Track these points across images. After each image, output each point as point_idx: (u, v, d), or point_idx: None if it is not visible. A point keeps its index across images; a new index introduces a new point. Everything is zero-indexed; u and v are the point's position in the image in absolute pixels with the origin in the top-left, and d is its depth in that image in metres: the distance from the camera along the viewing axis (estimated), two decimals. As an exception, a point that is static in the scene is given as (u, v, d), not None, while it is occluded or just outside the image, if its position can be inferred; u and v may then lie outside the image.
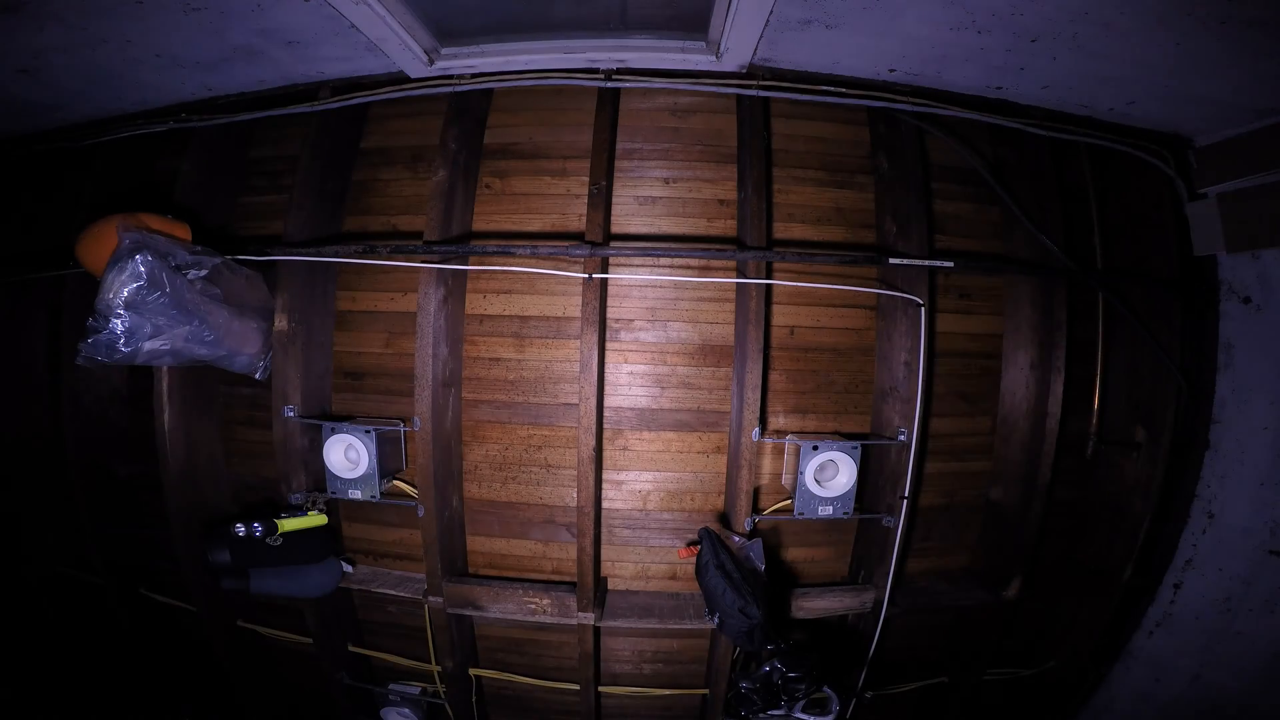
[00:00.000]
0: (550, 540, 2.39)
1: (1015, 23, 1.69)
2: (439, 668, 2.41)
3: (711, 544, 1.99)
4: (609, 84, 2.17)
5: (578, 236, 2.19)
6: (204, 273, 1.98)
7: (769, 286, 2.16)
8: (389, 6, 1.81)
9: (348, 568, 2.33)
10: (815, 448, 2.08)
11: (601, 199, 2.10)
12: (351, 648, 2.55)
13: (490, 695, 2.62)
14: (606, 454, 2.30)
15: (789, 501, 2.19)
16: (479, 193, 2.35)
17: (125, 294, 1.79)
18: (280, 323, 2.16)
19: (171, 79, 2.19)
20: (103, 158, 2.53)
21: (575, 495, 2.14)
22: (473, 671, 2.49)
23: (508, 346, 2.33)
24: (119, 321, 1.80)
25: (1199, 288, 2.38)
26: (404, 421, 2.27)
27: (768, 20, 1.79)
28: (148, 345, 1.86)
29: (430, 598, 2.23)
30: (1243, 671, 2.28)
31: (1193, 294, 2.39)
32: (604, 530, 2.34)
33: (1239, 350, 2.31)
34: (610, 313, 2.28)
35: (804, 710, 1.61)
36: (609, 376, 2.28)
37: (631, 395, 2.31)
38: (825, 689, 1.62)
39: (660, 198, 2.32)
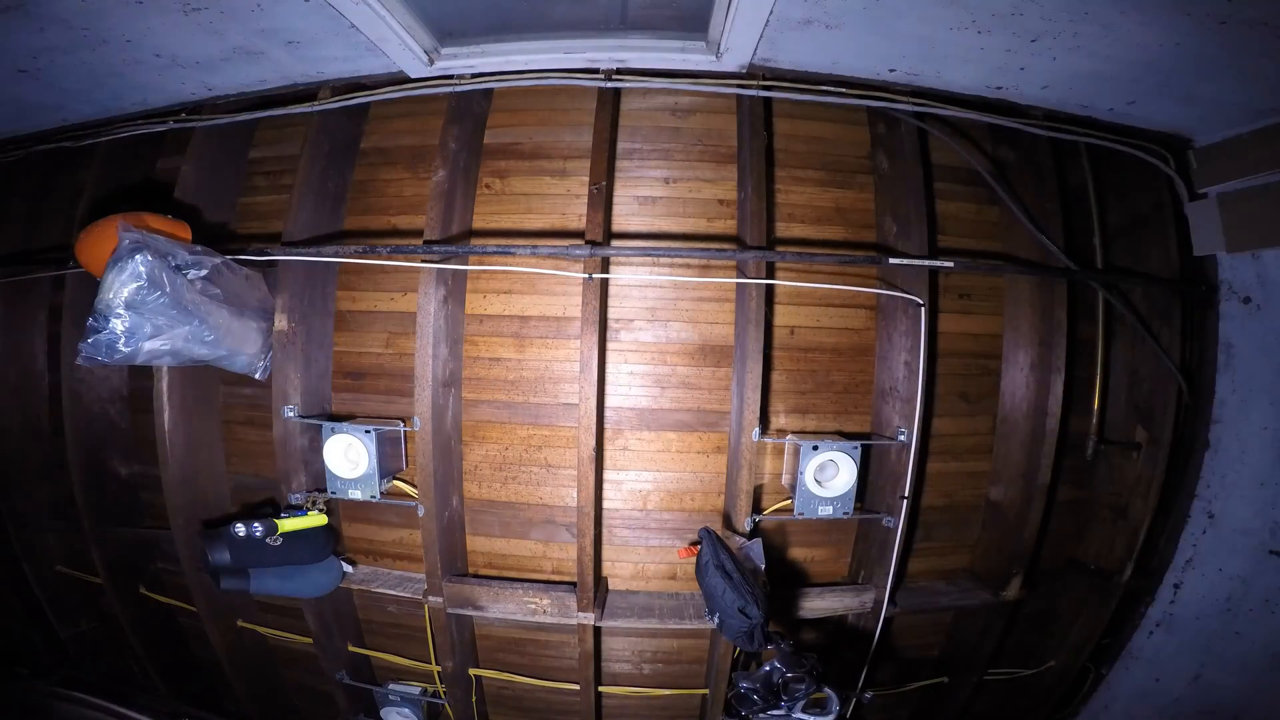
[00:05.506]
0: (550, 540, 2.39)
1: (1015, 23, 1.69)
2: (439, 668, 2.41)
3: (711, 544, 1.99)
4: (609, 84, 2.17)
5: (578, 236, 2.19)
6: (204, 273, 1.98)
7: (769, 286, 2.16)
8: (389, 6, 1.81)
9: (348, 568, 2.33)
10: (815, 448, 2.08)
11: (601, 199, 2.10)
12: (351, 648, 2.55)
13: (490, 695, 2.62)
14: (606, 454, 2.30)
15: (789, 501, 2.19)
16: (479, 193, 2.35)
17: (125, 294, 1.79)
18: (280, 323, 2.16)
19: (171, 79, 2.18)
20: (103, 157, 2.53)
21: (575, 495, 2.14)
22: (473, 671, 2.49)
23: (508, 346, 2.33)
24: (119, 321, 1.80)
25: (1199, 288, 2.38)
26: (404, 421, 2.27)
27: (767, 20, 1.79)
28: (148, 345, 1.86)
29: (430, 598, 2.23)
30: (1243, 671, 2.28)
31: (1193, 294, 2.39)
32: (604, 530, 2.34)
33: (1239, 350, 2.31)
34: (610, 313, 2.28)
35: (804, 710, 1.60)
36: (609, 376, 2.28)
37: (631, 395, 2.31)
38: (825, 689, 1.62)
39: (660, 198, 2.32)
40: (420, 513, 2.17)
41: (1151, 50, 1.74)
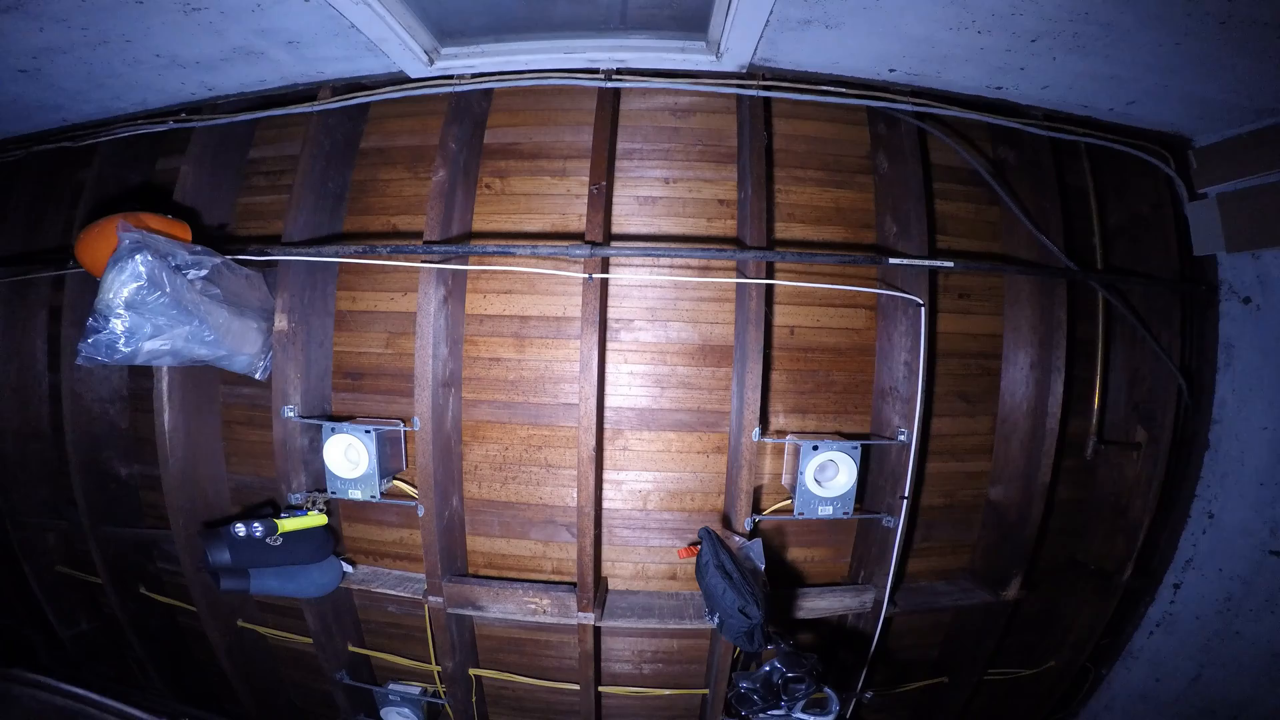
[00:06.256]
0: (550, 540, 2.39)
1: (1015, 23, 1.69)
2: (439, 668, 2.41)
3: (711, 544, 1.99)
4: (609, 84, 2.17)
5: (578, 236, 2.19)
6: (204, 273, 1.98)
7: (769, 286, 2.16)
8: (389, 6, 1.81)
9: (348, 568, 2.33)
10: (815, 448, 2.08)
11: (601, 199, 2.09)
12: (351, 648, 2.55)
13: (490, 695, 2.62)
14: (606, 454, 2.30)
15: (789, 501, 2.19)
16: (479, 193, 2.35)
17: (125, 294, 1.79)
18: (280, 323, 2.16)
19: (171, 79, 2.18)
20: (103, 157, 2.53)
21: (575, 495, 2.14)
22: (473, 671, 2.49)
23: (508, 346, 2.33)
24: (119, 321, 1.80)
25: (1199, 288, 2.38)
26: (404, 421, 2.27)
27: (767, 20, 1.79)
28: (148, 345, 1.86)
29: (430, 598, 2.23)
30: (1243, 671, 2.28)
31: (1193, 294, 2.40)
32: (604, 530, 2.34)
33: (1239, 350, 2.31)
34: (610, 313, 2.28)
35: (804, 710, 1.60)
36: (609, 376, 2.28)
37: (631, 395, 2.31)
38: (825, 689, 1.62)
39: (660, 198, 2.32)
40: (420, 513, 2.17)
41: (1151, 50, 1.74)
